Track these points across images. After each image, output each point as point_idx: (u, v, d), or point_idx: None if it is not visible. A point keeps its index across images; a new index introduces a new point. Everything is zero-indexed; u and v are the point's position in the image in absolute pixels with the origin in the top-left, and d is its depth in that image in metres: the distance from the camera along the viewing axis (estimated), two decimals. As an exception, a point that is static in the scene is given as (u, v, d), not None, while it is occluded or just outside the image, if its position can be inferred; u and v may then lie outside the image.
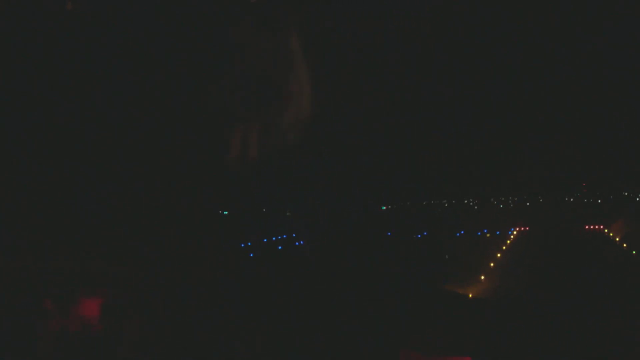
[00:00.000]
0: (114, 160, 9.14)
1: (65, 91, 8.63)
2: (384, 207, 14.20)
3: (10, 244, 9.02)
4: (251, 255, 10.31)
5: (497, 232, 15.66)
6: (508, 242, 15.80)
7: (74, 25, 8.63)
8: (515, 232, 15.65)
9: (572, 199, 17.00)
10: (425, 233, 13.19)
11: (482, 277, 12.82)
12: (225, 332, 9.15)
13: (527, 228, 15.98)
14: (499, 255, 15.03)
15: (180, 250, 9.65)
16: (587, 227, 16.32)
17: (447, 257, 11.97)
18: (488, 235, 15.35)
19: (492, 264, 14.02)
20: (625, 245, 15.25)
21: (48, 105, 8.69)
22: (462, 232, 14.66)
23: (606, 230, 16.00)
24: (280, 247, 11.30)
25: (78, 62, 8.41)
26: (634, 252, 15.10)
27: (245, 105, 8.63)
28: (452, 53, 10.36)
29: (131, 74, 8.65)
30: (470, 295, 13.54)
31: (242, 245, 10.39)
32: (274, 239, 11.58)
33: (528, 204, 16.56)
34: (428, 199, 15.02)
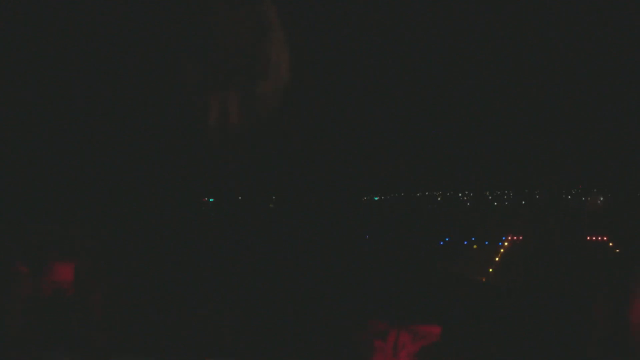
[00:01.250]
0: (92, 130, 9.09)
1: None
2: (376, 198, 13.62)
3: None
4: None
5: (486, 242, 14.06)
6: (497, 257, 14.15)
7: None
8: (506, 243, 14.37)
9: (569, 196, 15.33)
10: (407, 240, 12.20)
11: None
12: (198, 309, 9.32)
13: (521, 237, 14.63)
14: (490, 270, 13.70)
15: (158, 222, 9.72)
16: (588, 237, 14.69)
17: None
18: (475, 247, 13.91)
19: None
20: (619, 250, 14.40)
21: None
22: (447, 239, 13.65)
23: (610, 244, 14.64)
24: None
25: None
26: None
27: (222, 77, 8.49)
28: (450, 46, 10.05)
29: (103, 48, 8.50)
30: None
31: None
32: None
33: (523, 202, 15.02)
34: (423, 189, 14.22)
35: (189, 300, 9.40)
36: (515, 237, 14.41)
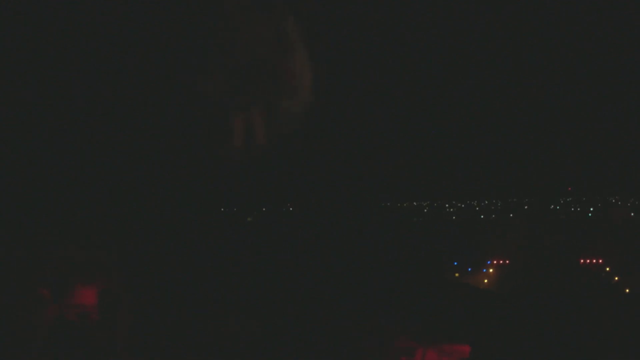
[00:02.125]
0: (112, 152, 9.04)
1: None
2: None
3: (6, 232, 9.03)
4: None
5: (469, 269, 12.98)
6: (485, 280, 12.81)
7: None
8: (491, 270, 12.78)
9: (558, 207, 13.88)
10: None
11: None
12: (222, 325, 9.20)
13: (507, 262, 12.93)
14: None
15: (180, 242, 9.64)
16: (582, 260, 12.92)
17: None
18: (457, 274, 12.87)
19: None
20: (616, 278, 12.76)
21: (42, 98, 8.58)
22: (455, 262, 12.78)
23: (607, 269, 12.98)
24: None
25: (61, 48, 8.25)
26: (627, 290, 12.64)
27: (244, 94, 8.45)
28: (452, 52, 10.05)
29: (126, 63, 8.47)
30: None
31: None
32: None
33: (511, 215, 13.90)
34: (410, 199, 13.73)
35: (217, 327, 9.29)
36: (501, 261, 13.07)
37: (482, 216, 13.53)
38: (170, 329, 9.11)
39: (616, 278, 12.83)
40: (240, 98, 8.42)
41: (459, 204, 14.03)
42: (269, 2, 8.35)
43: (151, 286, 9.31)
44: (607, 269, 12.97)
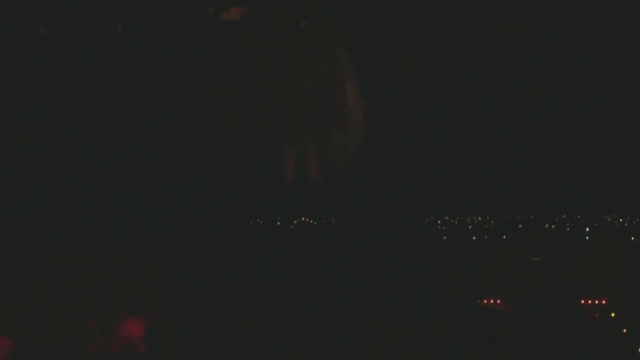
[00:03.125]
0: (158, 187, 9.02)
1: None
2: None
3: (53, 264, 9.00)
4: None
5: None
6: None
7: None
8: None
9: (553, 226, 12.69)
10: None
11: None
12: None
13: (499, 301, 11.30)
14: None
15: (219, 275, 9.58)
16: (582, 301, 10.99)
17: None
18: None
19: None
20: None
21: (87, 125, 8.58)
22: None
23: (612, 314, 10.95)
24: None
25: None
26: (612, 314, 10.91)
27: (298, 126, 8.39)
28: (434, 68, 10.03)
29: (178, 96, 8.47)
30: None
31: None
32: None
33: (504, 236, 12.99)
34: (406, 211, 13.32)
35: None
36: (492, 301, 11.50)
37: (474, 238, 12.99)
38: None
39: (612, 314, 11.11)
40: (293, 131, 8.35)
41: (452, 220, 13.60)
42: (320, 32, 8.29)
43: (197, 319, 9.23)
44: (612, 314, 11.22)
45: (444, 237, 13.50)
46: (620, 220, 13.04)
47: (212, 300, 9.46)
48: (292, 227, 12.24)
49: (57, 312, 8.85)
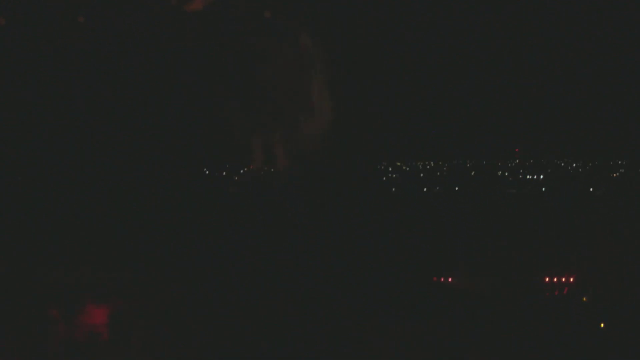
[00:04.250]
0: (123, 172, 9.00)
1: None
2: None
3: (17, 253, 8.94)
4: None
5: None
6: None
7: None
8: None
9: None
10: None
11: None
12: (231, 336, 9.17)
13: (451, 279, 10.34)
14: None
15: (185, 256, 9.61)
16: (547, 278, 9.65)
17: None
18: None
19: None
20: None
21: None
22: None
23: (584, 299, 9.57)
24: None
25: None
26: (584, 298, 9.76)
27: (266, 116, 8.49)
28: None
29: (153, 87, 8.46)
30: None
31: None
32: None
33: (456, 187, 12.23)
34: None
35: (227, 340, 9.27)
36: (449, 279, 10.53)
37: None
38: (180, 349, 9.06)
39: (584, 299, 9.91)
40: (262, 119, 8.45)
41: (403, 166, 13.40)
42: (289, 27, 8.37)
43: (162, 306, 9.27)
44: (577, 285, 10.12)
45: (393, 189, 13.01)
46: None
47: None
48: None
49: (20, 300, 8.81)
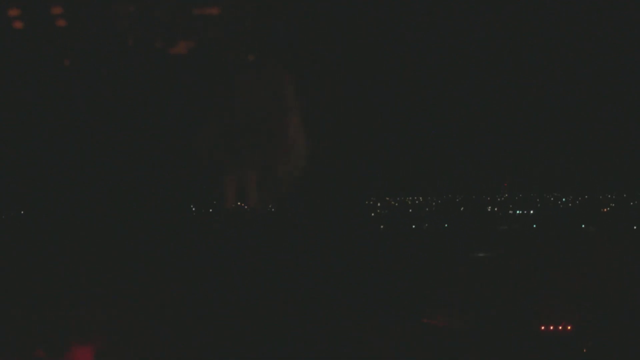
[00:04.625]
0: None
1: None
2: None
3: (3, 294, 9.01)
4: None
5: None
6: None
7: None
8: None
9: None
10: None
11: None
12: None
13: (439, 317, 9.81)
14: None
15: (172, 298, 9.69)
16: (543, 327, 8.94)
17: None
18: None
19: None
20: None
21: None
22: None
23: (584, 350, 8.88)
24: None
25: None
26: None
27: (244, 153, 8.65)
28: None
29: (134, 120, 8.61)
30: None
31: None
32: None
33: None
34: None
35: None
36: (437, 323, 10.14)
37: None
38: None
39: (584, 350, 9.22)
40: (236, 157, 8.57)
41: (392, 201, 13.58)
42: (267, 66, 8.56)
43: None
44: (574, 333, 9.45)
45: (381, 227, 13.16)
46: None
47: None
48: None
49: (7, 341, 8.84)
